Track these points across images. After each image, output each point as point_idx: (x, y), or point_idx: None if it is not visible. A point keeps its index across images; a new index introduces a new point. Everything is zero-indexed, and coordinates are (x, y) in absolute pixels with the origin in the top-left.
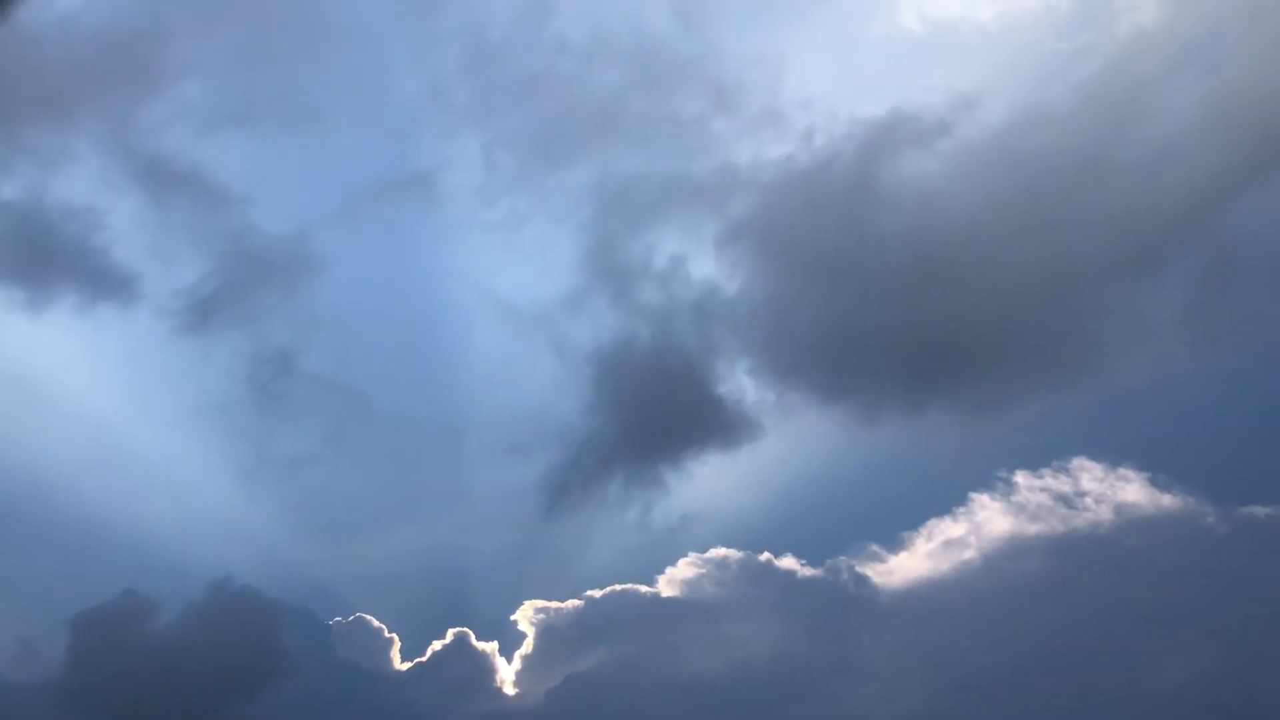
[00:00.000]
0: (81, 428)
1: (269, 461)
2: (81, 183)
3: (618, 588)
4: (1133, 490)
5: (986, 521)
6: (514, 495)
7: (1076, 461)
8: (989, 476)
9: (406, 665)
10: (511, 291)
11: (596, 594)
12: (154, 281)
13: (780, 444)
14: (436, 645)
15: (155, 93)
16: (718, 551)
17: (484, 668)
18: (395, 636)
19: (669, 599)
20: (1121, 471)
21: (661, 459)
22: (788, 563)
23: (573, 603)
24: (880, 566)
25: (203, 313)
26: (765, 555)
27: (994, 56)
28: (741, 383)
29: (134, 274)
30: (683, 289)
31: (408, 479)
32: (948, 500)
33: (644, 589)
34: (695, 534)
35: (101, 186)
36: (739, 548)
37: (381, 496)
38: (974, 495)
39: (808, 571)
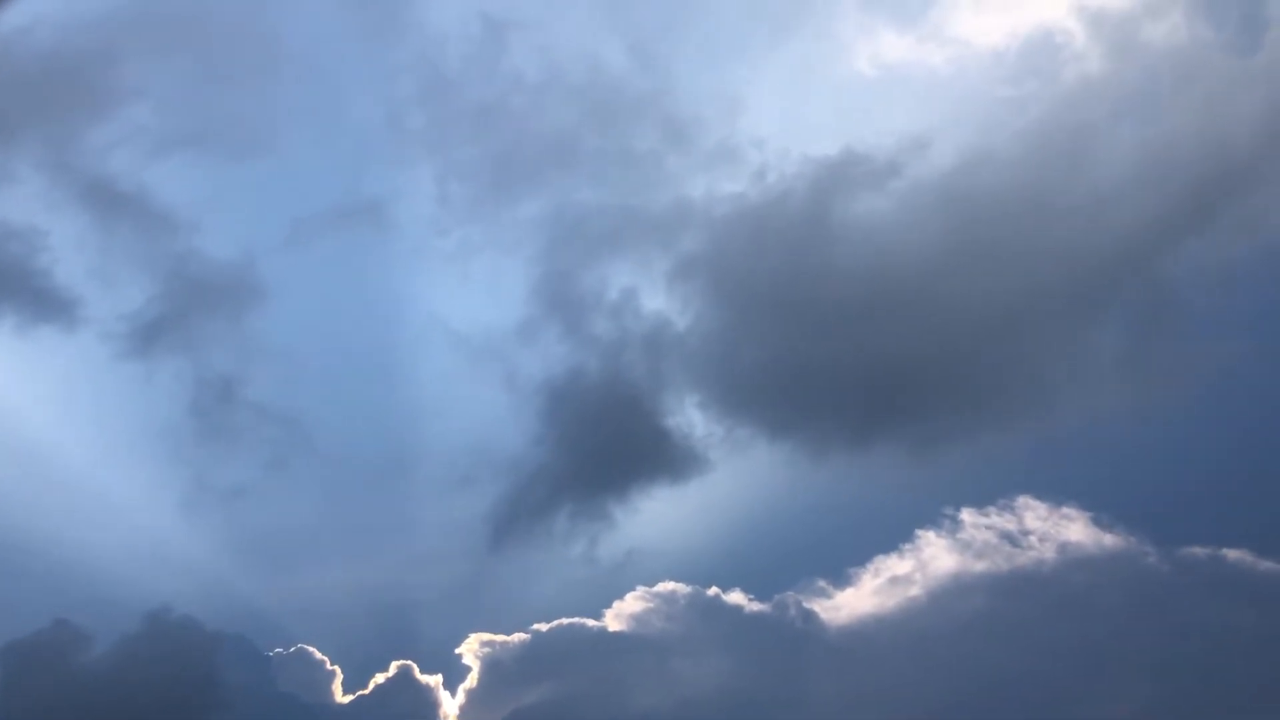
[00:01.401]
0: (16, 451)
1: (209, 490)
2: (24, 203)
3: (564, 621)
4: (1076, 529)
5: (932, 559)
6: (460, 527)
7: (1021, 500)
8: (935, 514)
9: (349, 698)
10: (462, 322)
11: (543, 627)
12: (97, 305)
13: (729, 478)
14: (379, 678)
15: (102, 115)
16: (666, 586)
17: (428, 701)
18: (337, 669)
19: (616, 633)
20: (1065, 510)
21: (609, 492)
22: (735, 598)
23: (519, 636)
24: (827, 602)
25: (146, 337)
26: (713, 590)
27: (944, 100)
28: (690, 416)
29: (76, 297)
30: (634, 322)
31: (351, 510)
32: (895, 537)
33: (591, 623)
34: (643, 568)
35: (45, 207)
36: (687, 582)
37: (324, 527)
38: (920, 532)
39: (755, 607)
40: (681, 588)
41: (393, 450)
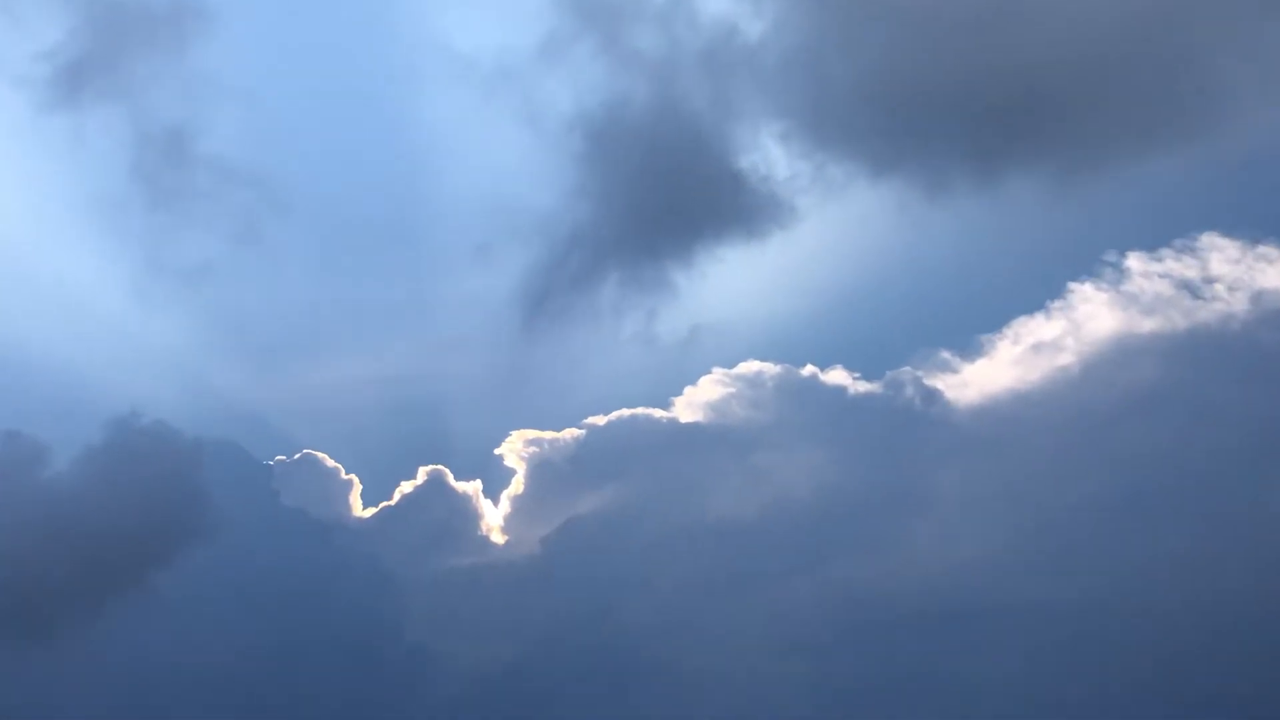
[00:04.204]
0: None
1: (166, 270)
2: None
3: (625, 413)
4: (1276, 274)
5: (1088, 318)
6: (485, 306)
7: (1205, 239)
8: (1091, 261)
9: (369, 512)
10: (469, 43)
11: (600, 421)
12: (6, 44)
13: (821, 230)
14: (406, 487)
15: None
16: (748, 366)
17: (465, 512)
18: (354, 478)
19: (689, 425)
20: (1261, 250)
21: (668, 255)
22: (836, 377)
23: (571, 433)
24: (953, 378)
25: (70, 83)
26: (808, 369)
27: None
28: (769, 153)
29: None
30: (689, 33)
31: (348, 290)
32: (1039, 293)
33: (658, 414)
34: (718, 346)
35: None
36: (775, 360)
37: (317, 312)
38: (1072, 285)
39: (862, 387)
40: (768, 368)
41: (392, 213)
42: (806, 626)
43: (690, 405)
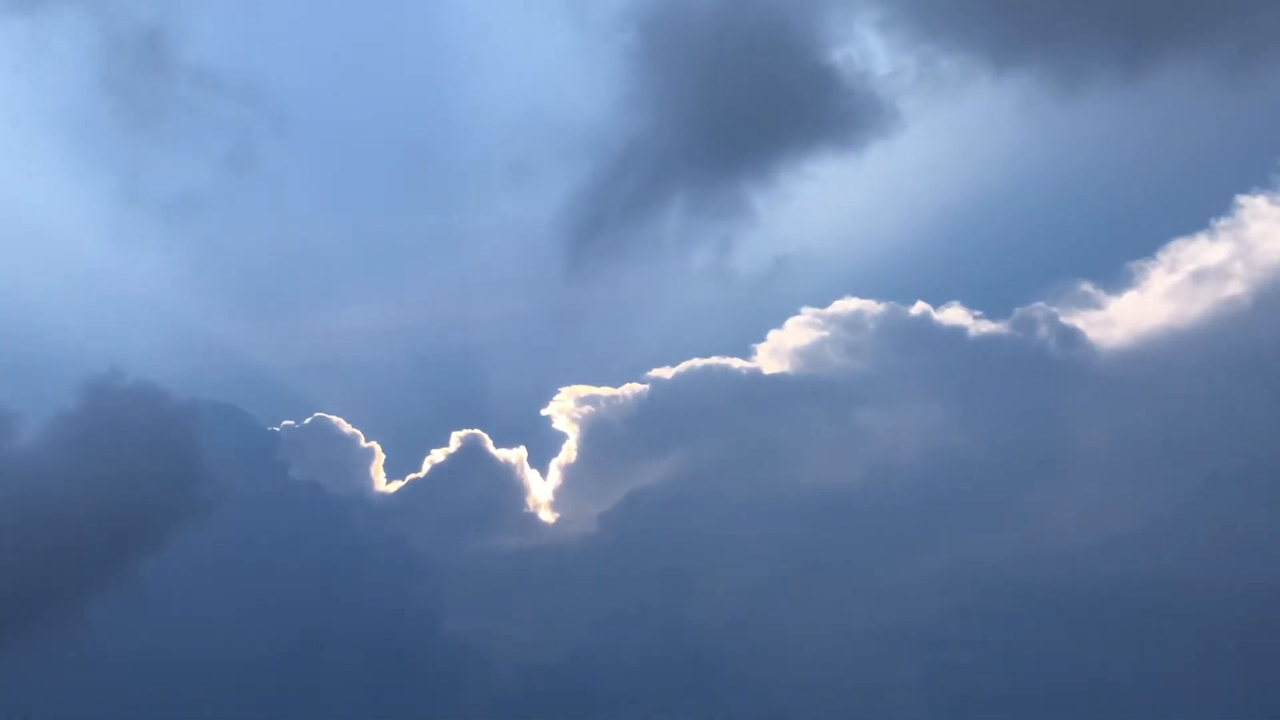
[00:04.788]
0: None
1: (146, 201)
2: None
3: (697, 364)
4: None
5: (1262, 238)
6: (527, 238)
7: None
8: (1265, 169)
9: (394, 486)
10: None
11: (666, 374)
12: None
13: (931, 138)
14: (437, 455)
15: None
16: (846, 304)
17: (507, 485)
18: (375, 446)
19: (774, 377)
20: None
21: (743, 172)
22: (953, 315)
23: (632, 388)
24: (1096, 315)
25: None
26: (919, 306)
27: None
28: (867, 45)
29: None
30: None
31: (363, 224)
32: (1199, 209)
33: (737, 364)
34: (809, 282)
35: None
36: (878, 297)
37: (327, 249)
38: (1241, 199)
39: (985, 327)
40: (869, 306)
41: (412, 130)
42: (919, 615)
43: (775, 353)
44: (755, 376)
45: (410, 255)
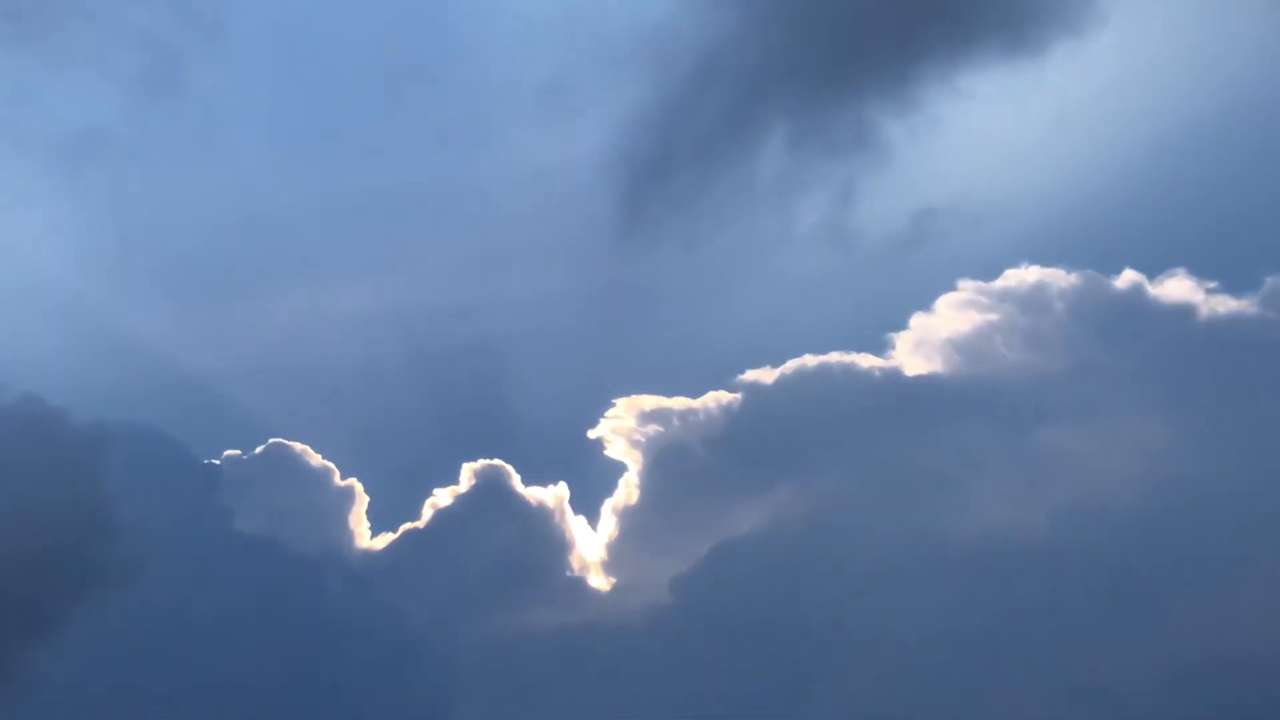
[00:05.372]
0: None
1: (33, 142)
2: None
3: (810, 362)
4: None
5: None
6: (564, 188)
7: None
8: None
9: (383, 541)
10: None
11: (766, 377)
12: None
13: (1137, 38)
14: (442, 498)
15: None
16: (1022, 275)
17: (541, 538)
18: (356, 484)
19: (920, 379)
20: None
21: (873, 93)
22: (1178, 289)
23: (717, 399)
24: None
25: None
26: (1128, 277)
27: None
28: None
29: None
30: None
31: (334, 171)
32: None
33: (866, 361)
34: (968, 244)
35: None
36: (1068, 265)
37: (282, 208)
38: None
39: (1222, 305)
40: (1057, 277)
41: (403, 40)
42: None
43: (921, 346)
44: (893, 379)
45: (401, 216)
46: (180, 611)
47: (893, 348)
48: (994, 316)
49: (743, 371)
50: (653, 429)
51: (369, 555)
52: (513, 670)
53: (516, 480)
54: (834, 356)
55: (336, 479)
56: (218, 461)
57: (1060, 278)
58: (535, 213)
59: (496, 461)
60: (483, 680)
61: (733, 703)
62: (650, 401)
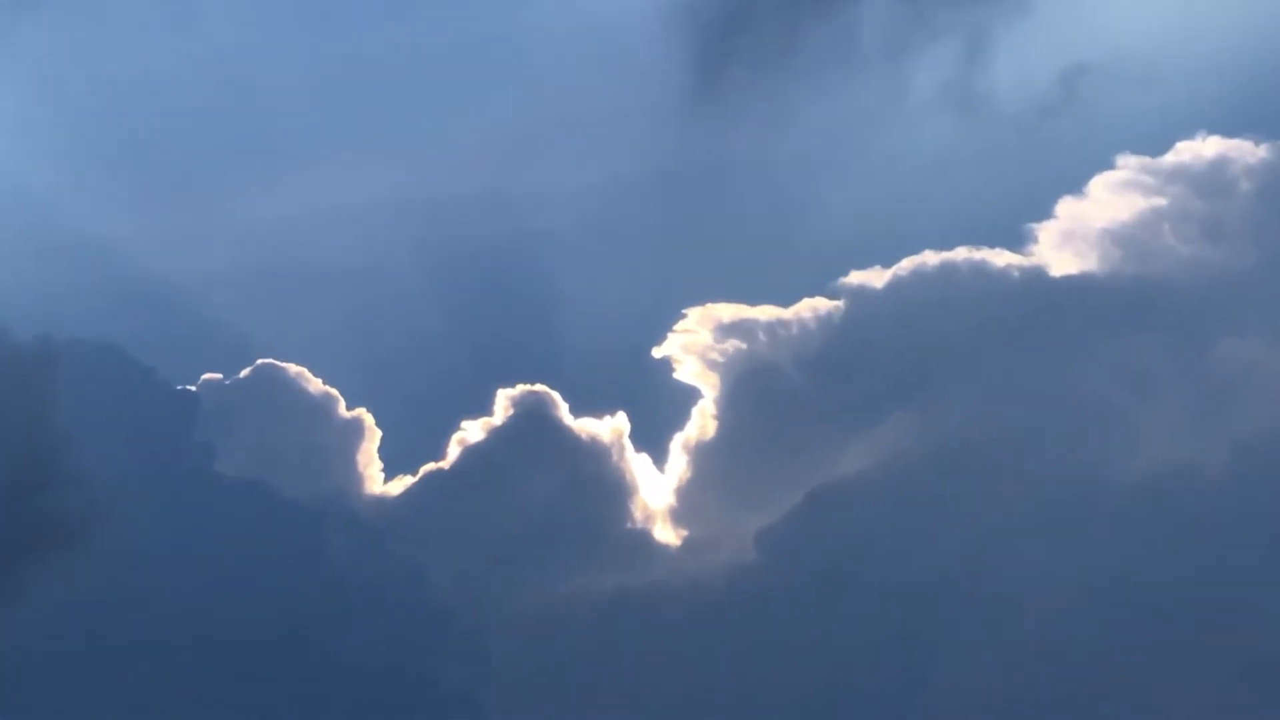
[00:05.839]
0: None
1: None
2: None
3: (931, 260)
4: None
5: None
6: (615, 44)
7: None
8: None
9: (399, 485)
10: None
11: (875, 280)
12: None
13: None
14: (472, 432)
15: None
16: (1199, 148)
17: (595, 481)
18: (365, 415)
19: (1070, 279)
20: None
21: None
22: None
23: (815, 306)
24: None
25: None
26: None
27: None
28: None
29: None
30: None
31: (332, 27)
32: None
33: (1002, 259)
34: (1129, 110)
35: None
36: (1258, 135)
37: (271, 75)
38: None
39: None
40: (1244, 149)
41: None
42: None
43: (1070, 239)
44: (1035, 281)
45: (417, 84)
46: (152, 573)
47: (1035, 241)
48: (1162, 201)
49: (846, 273)
50: (733, 346)
51: (382, 503)
52: (559, 645)
53: (564, 410)
54: (960, 253)
55: (341, 409)
56: (194, 387)
57: (1246, 151)
58: (581, 77)
59: (539, 387)
60: (522, 657)
61: (831, 683)
62: (729, 311)
